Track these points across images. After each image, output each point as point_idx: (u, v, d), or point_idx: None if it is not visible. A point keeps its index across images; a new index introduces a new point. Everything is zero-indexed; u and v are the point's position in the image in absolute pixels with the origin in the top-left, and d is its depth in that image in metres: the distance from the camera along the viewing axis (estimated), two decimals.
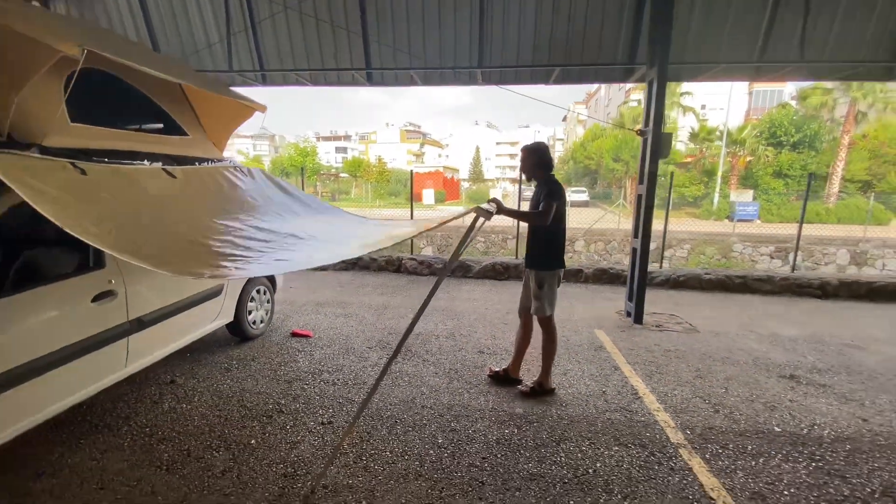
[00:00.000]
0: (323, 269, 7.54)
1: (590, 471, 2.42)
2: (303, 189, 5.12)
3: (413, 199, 11.25)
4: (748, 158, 26.32)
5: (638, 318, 5.12)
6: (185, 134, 3.64)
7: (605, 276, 7.24)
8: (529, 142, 3.36)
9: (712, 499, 2.21)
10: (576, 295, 6.32)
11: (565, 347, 4.24)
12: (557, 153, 66.47)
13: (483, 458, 2.51)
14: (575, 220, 14.68)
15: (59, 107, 2.53)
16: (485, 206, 2.41)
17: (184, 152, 3.49)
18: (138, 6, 6.05)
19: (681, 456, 2.57)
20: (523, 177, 3.38)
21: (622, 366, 3.87)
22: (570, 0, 5.45)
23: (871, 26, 4.99)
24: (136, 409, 2.99)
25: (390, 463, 2.45)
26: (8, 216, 2.23)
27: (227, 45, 5.67)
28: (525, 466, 2.45)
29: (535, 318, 3.28)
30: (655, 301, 6.00)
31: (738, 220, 21.14)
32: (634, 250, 5.23)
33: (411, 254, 8.51)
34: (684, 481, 2.35)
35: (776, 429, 2.89)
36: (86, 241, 1.70)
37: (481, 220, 2.24)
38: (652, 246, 5.24)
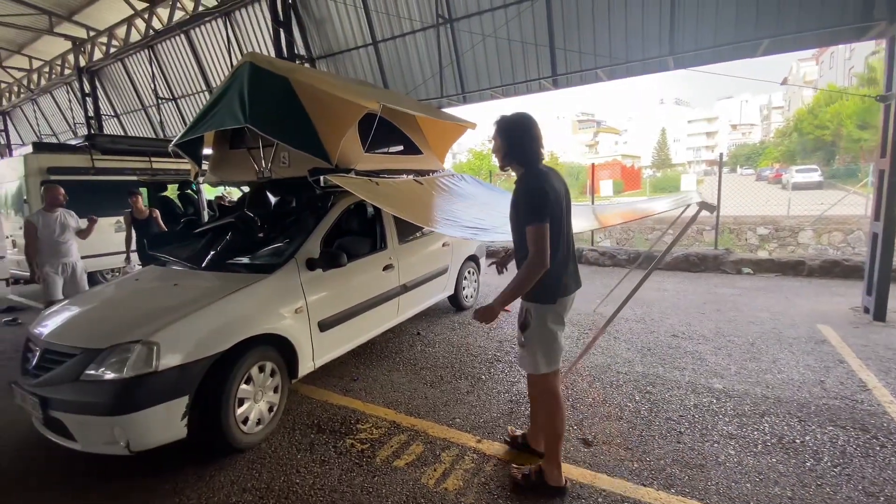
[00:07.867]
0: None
1: (797, 441, 2.52)
2: None
3: (592, 191, 11.36)
4: None
5: (879, 315, 4.39)
6: (420, 153, 4.88)
7: (836, 270, 6.18)
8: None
9: None
10: (794, 289, 5.62)
11: (776, 339, 4.04)
12: (776, 124, 54.39)
13: (680, 416, 2.85)
14: (802, 206, 12.14)
15: (359, 144, 3.87)
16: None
17: (422, 167, 4.73)
18: (375, 57, 7.99)
19: None
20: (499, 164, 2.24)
21: (849, 359, 3.53)
22: None
23: None
24: (399, 348, 4.26)
25: (593, 406, 3.01)
26: (342, 216, 3.61)
27: (439, 77, 7.04)
28: (724, 428, 2.69)
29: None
30: None
31: None
32: (875, 235, 4.48)
33: (591, 245, 8.74)
34: None
35: None
36: (389, 211, 3.37)
37: (702, 212, 2.37)
38: None
